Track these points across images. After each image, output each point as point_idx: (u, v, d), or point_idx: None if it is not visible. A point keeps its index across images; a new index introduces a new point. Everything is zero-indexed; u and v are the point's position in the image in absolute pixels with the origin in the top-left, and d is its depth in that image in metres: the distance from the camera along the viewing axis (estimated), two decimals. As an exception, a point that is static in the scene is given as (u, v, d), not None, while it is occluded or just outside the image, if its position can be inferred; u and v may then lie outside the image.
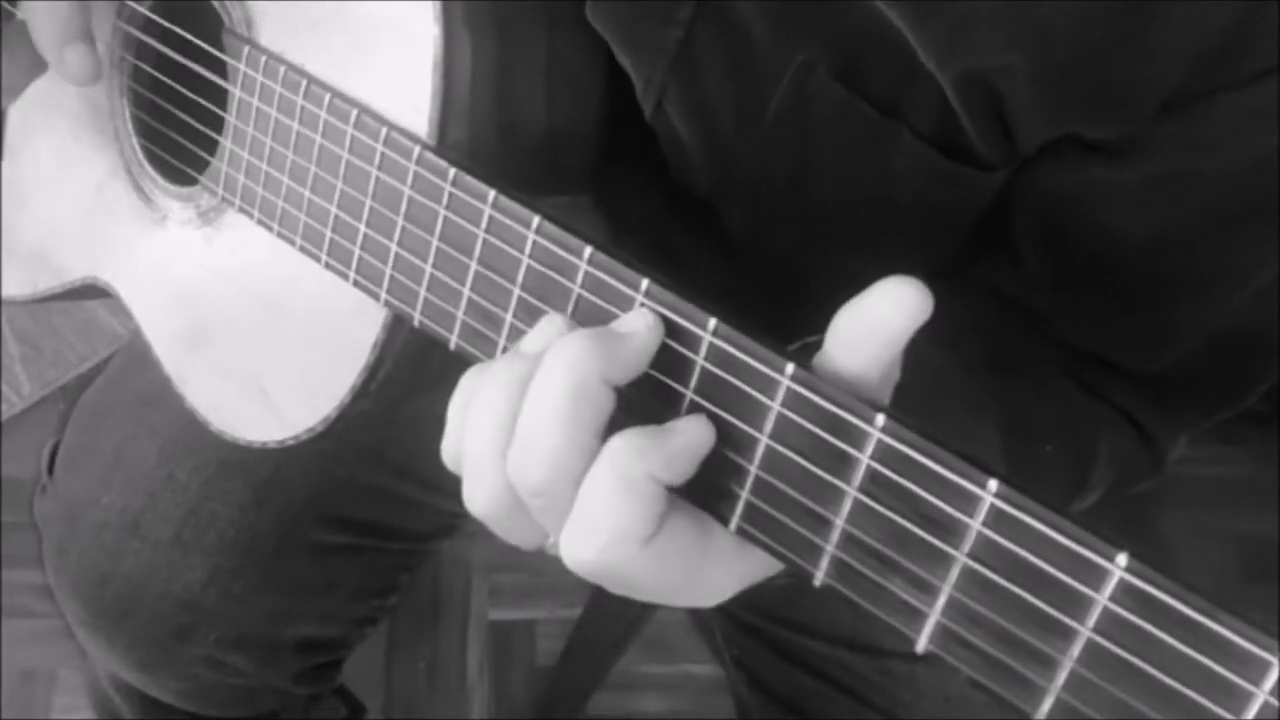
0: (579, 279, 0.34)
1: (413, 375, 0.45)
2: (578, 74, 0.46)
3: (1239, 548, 1.10)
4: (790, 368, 0.29)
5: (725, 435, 0.31)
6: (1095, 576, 0.24)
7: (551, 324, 0.33)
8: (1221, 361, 0.45)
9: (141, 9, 0.52)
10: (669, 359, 0.32)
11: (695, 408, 0.31)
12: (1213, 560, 1.10)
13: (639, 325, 0.32)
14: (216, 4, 0.48)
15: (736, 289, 0.50)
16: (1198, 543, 1.10)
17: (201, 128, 0.50)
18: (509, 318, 0.36)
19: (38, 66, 0.50)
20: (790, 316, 0.50)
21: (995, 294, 0.45)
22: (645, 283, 0.32)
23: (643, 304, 0.32)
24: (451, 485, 0.64)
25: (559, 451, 0.30)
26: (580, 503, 0.30)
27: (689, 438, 0.30)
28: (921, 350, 0.33)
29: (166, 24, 0.51)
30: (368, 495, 0.61)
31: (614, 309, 0.33)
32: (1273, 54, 0.36)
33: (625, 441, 0.30)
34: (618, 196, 0.50)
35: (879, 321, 0.28)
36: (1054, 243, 0.44)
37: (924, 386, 0.31)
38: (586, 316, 0.34)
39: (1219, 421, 0.47)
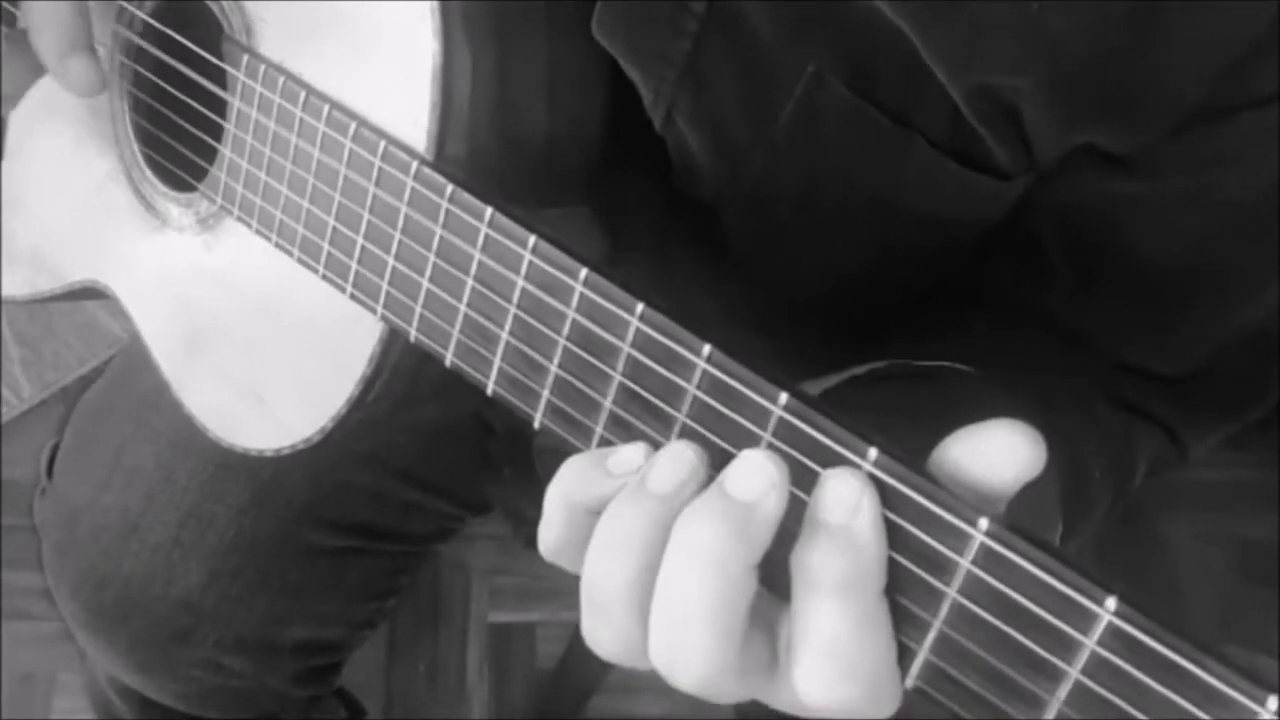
0: (574, 301, 0.34)
1: (411, 386, 0.45)
2: (579, 85, 0.46)
3: (1240, 550, 1.10)
4: (784, 397, 0.29)
5: (717, 464, 0.30)
6: (1084, 619, 0.24)
7: (683, 462, 0.29)
8: (1247, 363, 0.45)
9: (141, 14, 0.52)
10: (664, 383, 0.32)
11: (686, 430, 0.31)
12: (1213, 563, 1.09)
13: (763, 486, 0.28)
14: (216, 11, 0.48)
15: (737, 303, 0.50)
16: (1198, 545, 1.10)
17: (201, 135, 0.50)
18: (505, 336, 0.36)
19: (36, 72, 0.50)
20: (791, 334, 0.50)
21: (1031, 309, 0.45)
22: (640, 307, 0.32)
23: (770, 443, 0.29)
24: (452, 489, 0.65)
25: (714, 656, 0.28)
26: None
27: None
28: (977, 390, 0.33)
29: (166, 30, 0.51)
30: (367, 498, 0.62)
31: (608, 334, 0.33)
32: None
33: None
34: (617, 206, 0.50)
35: (992, 470, 0.27)
36: (1079, 253, 0.44)
37: None
38: (581, 337, 0.34)
39: (1245, 424, 0.47)
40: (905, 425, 0.28)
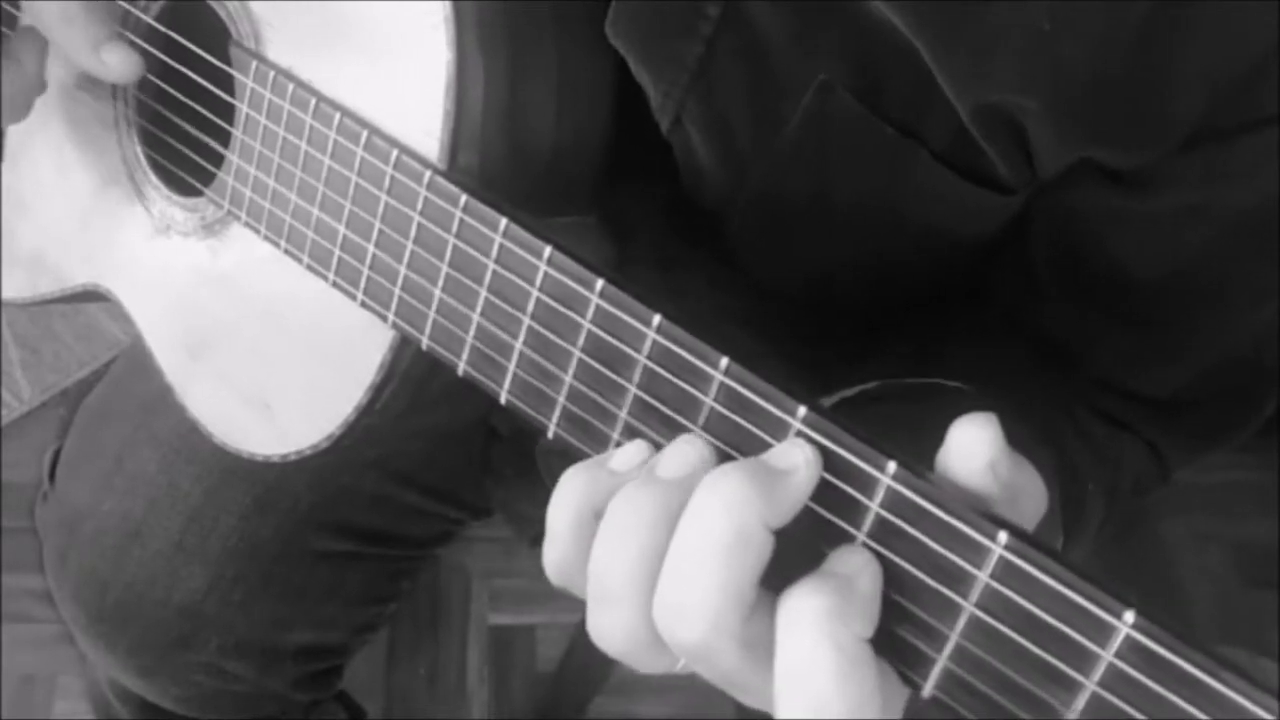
0: (589, 313, 0.34)
1: (418, 394, 0.46)
2: (587, 93, 0.46)
3: (1239, 552, 1.11)
4: (802, 410, 0.29)
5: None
6: (1102, 632, 0.24)
7: (693, 448, 0.30)
8: (1228, 386, 0.46)
9: (147, 18, 0.52)
10: (680, 394, 0.32)
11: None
12: (1213, 565, 1.10)
13: (798, 460, 0.28)
14: (223, 15, 0.48)
15: (739, 306, 0.51)
16: (1198, 547, 1.11)
17: (207, 139, 0.50)
18: (519, 346, 0.36)
19: (39, 83, 0.50)
20: (793, 338, 0.50)
21: (1014, 321, 0.46)
22: (657, 318, 0.32)
23: (799, 432, 0.29)
24: (454, 492, 0.65)
25: (719, 610, 0.27)
26: (794, 681, 0.26)
27: (871, 579, 0.27)
28: (968, 408, 0.33)
29: (171, 34, 0.51)
30: (369, 503, 0.62)
31: (623, 345, 0.33)
32: None
33: (820, 604, 0.26)
34: (624, 214, 0.50)
35: (966, 461, 0.27)
36: (1069, 266, 0.44)
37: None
38: (597, 349, 0.34)
39: (1230, 444, 0.48)
40: (907, 442, 0.28)
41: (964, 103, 0.39)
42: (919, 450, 0.28)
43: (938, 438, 0.28)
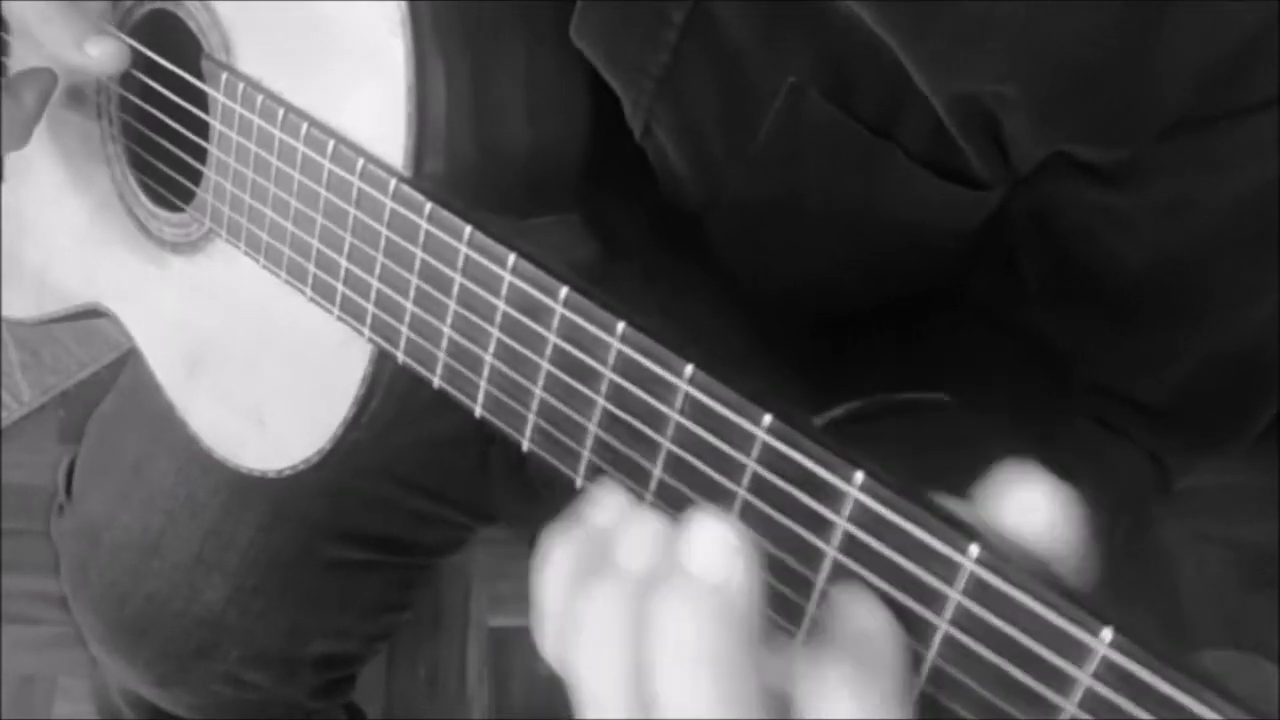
0: (554, 324, 0.33)
1: (404, 406, 0.45)
2: (560, 95, 0.45)
3: (1238, 555, 1.08)
4: (767, 419, 0.28)
5: (703, 491, 0.30)
6: (1079, 652, 0.23)
7: (648, 528, 0.27)
8: (1226, 389, 0.44)
9: (123, 36, 0.51)
10: (646, 407, 0.31)
11: (671, 457, 0.30)
12: (1211, 567, 1.08)
13: (726, 557, 0.25)
14: (195, 29, 0.47)
15: (726, 304, 0.50)
16: (1197, 550, 1.09)
17: (186, 157, 0.49)
18: (489, 359, 0.35)
19: (38, 111, 0.50)
20: (781, 337, 0.49)
21: (1006, 327, 0.44)
22: (621, 326, 0.31)
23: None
24: (462, 498, 0.64)
25: None
26: None
27: (891, 641, 0.25)
28: (963, 423, 0.31)
29: (147, 51, 0.51)
30: (380, 510, 0.62)
31: (588, 357, 0.32)
32: (1273, 83, 0.35)
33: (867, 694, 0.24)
34: (606, 213, 0.49)
35: (1038, 528, 0.25)
36: (1053, 263, 0.43)
37: (974, 463, 0.27)
38: (562, 361, 0.33)
39: (1231, 452, 0.46)
40: (903, 463, 0.27)
41: (939, 95, 0.38)
42: (910, 462, 0.26)
43: (929, 452, 0.27)
